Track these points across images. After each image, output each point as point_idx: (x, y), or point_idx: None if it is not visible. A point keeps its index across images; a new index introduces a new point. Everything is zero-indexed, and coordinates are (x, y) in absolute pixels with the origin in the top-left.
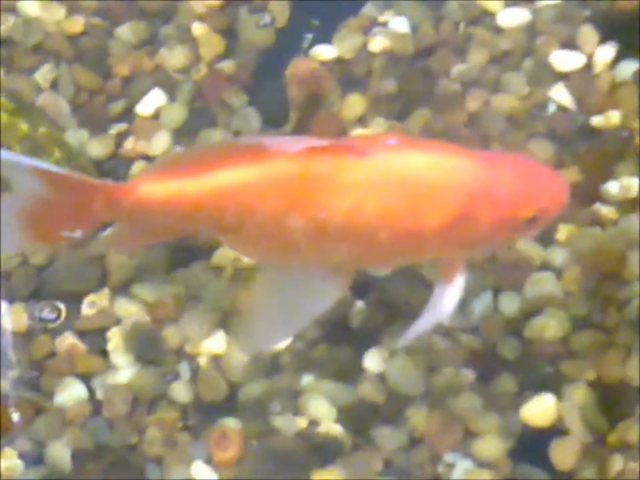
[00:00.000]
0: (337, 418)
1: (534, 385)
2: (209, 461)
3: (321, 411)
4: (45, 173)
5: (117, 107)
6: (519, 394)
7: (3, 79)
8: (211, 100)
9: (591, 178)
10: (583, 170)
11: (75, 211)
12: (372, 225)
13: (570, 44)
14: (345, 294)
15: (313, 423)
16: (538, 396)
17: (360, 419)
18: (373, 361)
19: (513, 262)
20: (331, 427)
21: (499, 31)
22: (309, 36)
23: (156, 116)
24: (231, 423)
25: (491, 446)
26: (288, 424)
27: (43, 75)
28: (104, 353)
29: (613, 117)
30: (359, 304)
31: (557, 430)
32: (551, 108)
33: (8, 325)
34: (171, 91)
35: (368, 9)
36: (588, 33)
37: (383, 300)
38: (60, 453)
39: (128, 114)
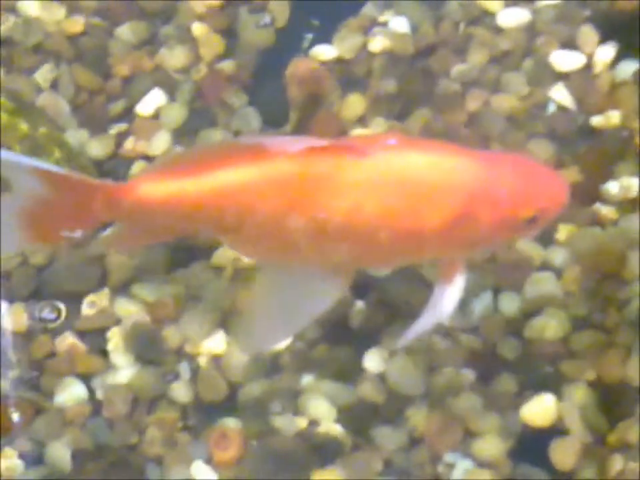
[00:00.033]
0: (337, 418)
1: (534, 385)
2: (209, 461)
3: (321, 411)
4: (44, 172)
5: (117, 107)
6: (519, 394)
7: (3, 79)
8: (211, 100)
9: (591, 178)
10: (583, 170)
11: (74, 211)
12: (372, 225)
13: (570, 44)
14: (345, 294)
15: (313, 423)
16: (538, 396)
17: (360, 419)
18: (373, 360)
19: (512, 262)
20: (331, 427)
21: (499, 30)
22: (309, 36)
23: (156, 116)
24: (231, 423)
25: (491, 446)
26: (288, 424)
27: (43, 75)
28: (104, 353)
29: (613, 117)
30: (359, 304)
31: (556, 430)
32: (551, 108)
33: (8, 325)
34: (171, 90)
35: (368, 9)
36: (588, 33)
37: (383, 300)
38: (60, 453)
39: (128, 114)
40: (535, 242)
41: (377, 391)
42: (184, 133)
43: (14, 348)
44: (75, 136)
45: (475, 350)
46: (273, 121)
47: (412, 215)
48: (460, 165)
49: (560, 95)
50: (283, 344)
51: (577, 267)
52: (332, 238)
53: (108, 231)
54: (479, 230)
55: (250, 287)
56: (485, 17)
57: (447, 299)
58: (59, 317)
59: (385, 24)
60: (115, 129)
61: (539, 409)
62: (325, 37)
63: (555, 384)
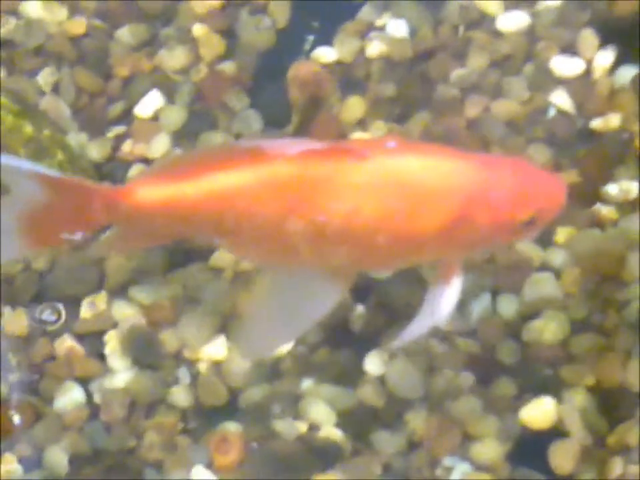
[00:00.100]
0: (337, 422)
1: (533, 388)
2: (209, 465)
3: (321, 415)
4: (43, 177)
5: (116, 109)
6: (517, 397)
7: (4, 81)
8: (211, 102)
9: (591, 180)
10: (583, 172)
11: (73, 215)
12: (370, 227)
13: (570, 49)
14: (344, 297)
15: (313, 427)
16: (537, 399)
17: (360, 423)
18: (373, 364)
19: (511, 263)
20: (331, 431)
21: (498, 35)
22: (310, 38)
23: (155, 118)
24: (232, 427)
25: (490, 449)
26: (288, 428)
27: (45, 77)
28: (101, 357)
29: (613, 121)
30: (360, 307)
31: (556, 433)
32: (551, 112)
33: (9, 328)
34: (170, 92)
35: (366, 12)
36: (588, 38)
37: (383, 303)
38: (58, 457)
39: (127, 116)
40: (534, 243)
41: (376, 394)
42: (183, 136)
43: (14, 351)
44: (76, 138)
45: (473, 353)
46: (274, 122)
47: (410, 218)
48: (458, 167)
49: (560, 99)
50: (284, 348)
51: (576, 268)
52: (331, 241)
53: (107, 234)
54: (477, 232)
55: (250, 289)
56: (485, 21)
57: (445, 300)
58: (59, 318)
59: (382, 28)
60: (113, 132)
61: (538, 412)
62: (325, 38)
63: (554, 387)
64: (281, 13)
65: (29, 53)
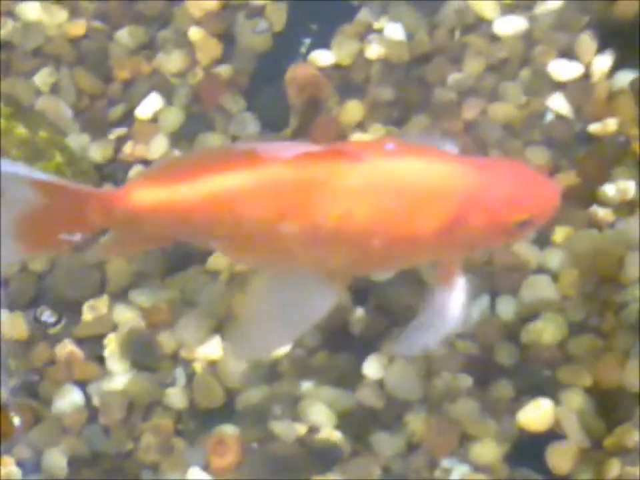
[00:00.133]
0: (336, 424)
1: (531, 389)
2: (205, 467)
3: (321, 417)
4: (37, 182)
5: (117, 110)
6: (515, 399)
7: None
8: (208, 104)
9: (589, 181)
10: (581, 174)
11: (69, 219)
12: (366, 230)
13: (568, 52)
14: (340, 300)
15: (313, 429)
16: (535, 401)
17: (359, 425)
18: (372, 367)
19: (509, 265)
20: (331, 433)
21: (495, 38)
22: (307, 41)
23: (154, 120)
24: (229, 430)
25: (488, 450)
26: (287, 430)
27: (42, 78)
28: (100, 360)
29: (610, 124)
30: (359, 310)
31: (553, 434)
32: (549, 117)
33: (8, 331)
34: (169, 95)
35: (363, 15)
36: (586, 41)
37: (382, 305)
38: (57, 459)
39: (127, 118)
40: (531, 244)
41: (375, 396)
42: (181, 137)
43: (14, 355)
44: (77, 140)
45: (472, 355)
46: (271, 125)
47: (406, 220)
48: (453, 170)
49: (557, 103)
50: (281, 351)
51: (574, 269)
52: (327, 243)
53: (105, 238)
54: (472, 234)
55: (246, 292)
56: (481, 25)
57: (452, 303)
58: (59, 320)
59: (380, 30)
60: (114, 134)
61: (536, 414)
62: (323, 41)
63: (552, 389)
64: (277, 15)
65: (26, 54)
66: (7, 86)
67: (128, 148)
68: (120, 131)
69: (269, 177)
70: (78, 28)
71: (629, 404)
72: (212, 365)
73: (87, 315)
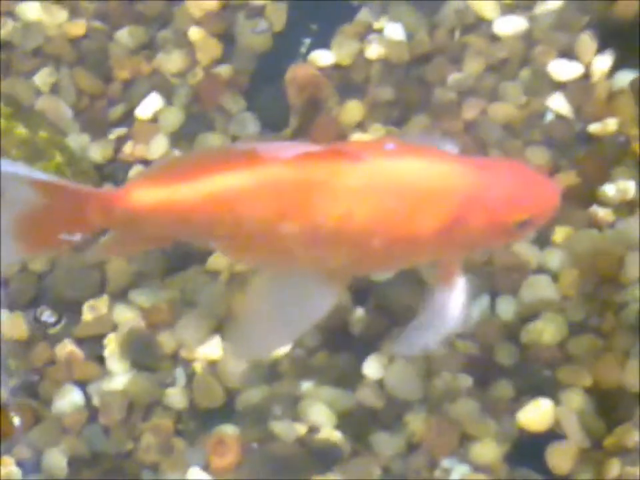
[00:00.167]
0: (336, 424)
1: (531, 389)
2: (205, 467)
3: (321, 417)
4: (37, 182)
5: (117, 110)
6: (515, 399)
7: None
8: (207, 104)
9: (589, 181)
10: (581, 174)
11: (68, 219)
12: (366, 230)
13: (568, 52)
14: (340, 300)
15: (313, 429)
16: (535, 401)
17: (359, 425)
18: (372, 367)
19: (509, 265)
20: (331, 433)
21: (495, 39)
22: (307, 41)
23: (154, 120)
24: (229, 430)
25: (488, 450)
26: (287, 430)
27: (42, 78)
28: (100, 360)
29: (610, 124)
30: (359, 310)
31: (553, 434)
32: (549, 117)
33: (8, 331)
34: (169, 95)
35: (363, 15)
36: (586, 41)
37: (382, 305)
38: (57, 460)
39: (127, 118)
40: (531, 244)
41: (375, 396)
42: (181, 137)
43: (14, 355)
44: (77, 140)
45: (472, 355)
46: (271, 125)
47: (406, 220)
48: (452, 170)
49: (557, 103)
50: (281, 351)
51: (574, 269)
52: (327, 243)
53: (105, 238)
54: (472, 234)
55: (246, 291)
56: (481, 25)
57: (452, 303)
58: (59, 320)
59: (380, 30)
60: (114, 134)
61: (536, 414)
62: (322, 41)
63: (552, 389)
64: (277, 16)
65: (26, 54)
66: (6, 86)
67: (128, 148)
68: (120, 131)
69: (268, 177)
70: (78, 28)
71: (629, 404)
72: (212, 365)
73: (87, 315)
